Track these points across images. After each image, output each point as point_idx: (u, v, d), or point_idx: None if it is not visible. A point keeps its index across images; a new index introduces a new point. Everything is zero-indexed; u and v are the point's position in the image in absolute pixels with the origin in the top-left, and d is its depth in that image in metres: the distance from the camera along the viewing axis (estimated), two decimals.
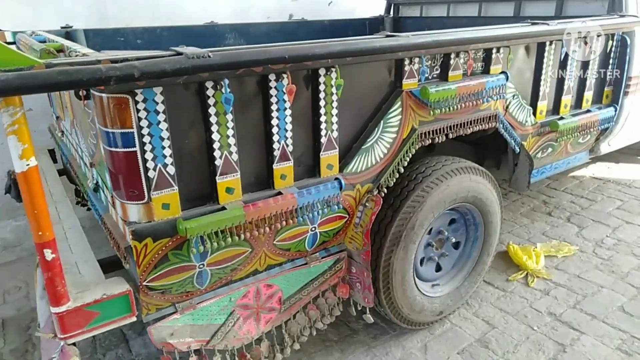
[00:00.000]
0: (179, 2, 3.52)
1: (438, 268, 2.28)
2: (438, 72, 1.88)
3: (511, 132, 2.18)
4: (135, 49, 2.88)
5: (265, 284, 1.69)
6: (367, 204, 1.77)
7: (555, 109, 2.42)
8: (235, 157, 1.44)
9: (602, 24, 2.24)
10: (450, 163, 2.07)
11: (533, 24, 2.02)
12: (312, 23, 3.56)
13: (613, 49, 2.53)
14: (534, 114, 2.30)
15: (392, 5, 3.92)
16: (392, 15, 3.92)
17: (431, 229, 2.15)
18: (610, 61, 2.56)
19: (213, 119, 1.37)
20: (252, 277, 1.66)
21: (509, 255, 2.76)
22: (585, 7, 2.68)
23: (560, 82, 2.37)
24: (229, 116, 1.39)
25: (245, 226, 1.47)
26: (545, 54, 2.20)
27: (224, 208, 1.44)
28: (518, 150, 2.25)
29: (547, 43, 2.18)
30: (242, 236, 1.47)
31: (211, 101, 1.35)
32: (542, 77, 2.25)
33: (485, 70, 2.02)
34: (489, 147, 2.62)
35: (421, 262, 2.19)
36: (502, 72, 2.00)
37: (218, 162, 1.42)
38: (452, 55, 1.85)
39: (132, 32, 2.87)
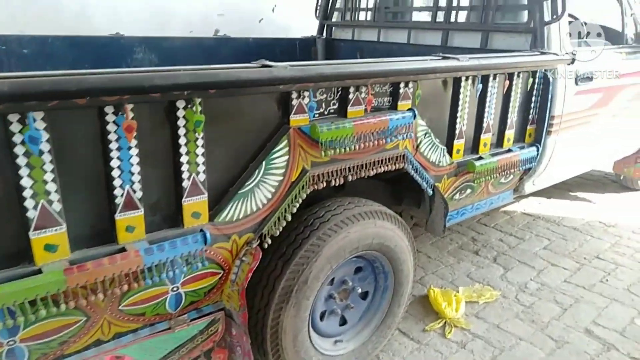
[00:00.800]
0: (88, 9, 3.20)
1: (343, 321, 2.05)
2: (336, 106, 1.67)
3: (423, 173, 2.00)
4: (21, 60, 2.54)
5: (112, 356, 1.39)
6: (244, 258, 1.51)
7: (475, 147, 2.27)
8: (57, 206, 1.15)
9: (519, 61, 2.11)
10: (353, 207, 1.85)
11: (444, 57, 1.85)
12: (234, 40, 3.32)
13: (535, 86, 2.42)
14: (450, 153, 2.13)
15: (325, 26, 3.75)
16: (324, 37, 3.74)
17: (333, 279, 1.92)
18: (533, 99, 2.44)
19: (21, 161, 1.08)
20: (93, 349, 1.36)
21: (429, 300, 2.57)
22: (509, 41, 2.57)
23: (479, 120, 2.22)
24: (47, 157, 1.11)
25: (70, 293, 1.17)
26: (462, 90, 2.05)
27: (40, 271, 1.15)
28: (431, 192, 2.06)
29: (463, 79, 2.02)
30: (65, 306, 1.17)
31: (17, 139, 1.07)
32: (459, 115, 2.09)
33: (393, 106, 1.83)
34: (407, 185, 2.43)
35: (322, 317, 1.95)
36: (410, 109, 1.81)
37: (32, 213, 1.12)
38: (351, 90, 1.64)
39: (17, 40, 2.52)
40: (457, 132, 2.12)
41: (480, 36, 2.68)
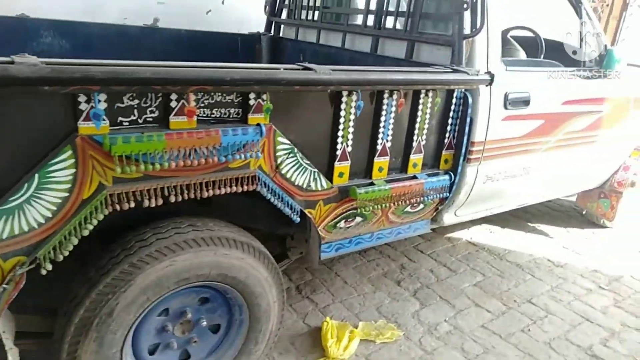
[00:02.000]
0: None
1: (188, 355, 1.81)
2: (156, 115, 1.43)
3: (285, 198, 1.74)
4: None
5: None
6: (6, 285, 1.29)
7: (368, 172, 2.00)
8: None
9: (407, 78, 1.83)
10: (189, 230, 1.61)
11: (304, 68, 1.59)
12: (163, 31, 3.10)
13: (453, 107, 2.13)
14: (330, 176, 1.87)
15: (273, 23, 3.49)
16: (271, 35, 3.49)
17: (168, 310, 1.69)
18: (450, 121, 2.16)
19: None
20: None
21: (321, 333, 2.31)
22: (435, 54, 2.28)
23: (372, 141, 1.95)
24: None
25: None
26: (343, 107, 1.78)
27: None
28: (297, 220, 1.81)
29: (345, 94, 1.76)
30: None
31: None
32: (340, 134, 1.83)
33: (243, 119, 1.58)
34: None
35: (154, 350, 1.72)
36: (257, 125, 1.56)
37: None
38: (173, 97, 1.40)
39: None
40: (338, 153, 1.86)
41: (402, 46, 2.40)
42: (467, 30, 2.07)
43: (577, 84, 2.61)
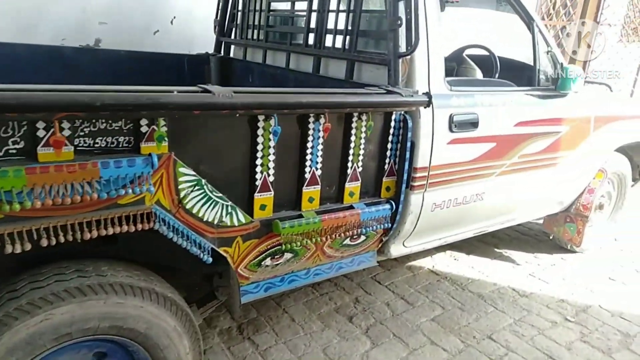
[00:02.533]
0: None
1: None
2: (20, 146, 1.23)
3: (191, 236, 1.54)
4: None
5: None
6: None
7: (297, 203, 1.81)
8: None
9: (326, 101, 1.66)
10: (73, 277, 1.40)
11: (204, 91, 1.41)
12: (101, 52, 2.93)
13: (392, 131, 1.97)
14: (251, 210, 1.68)
15: (223, 43, 3.34)
16: (221, 55, 3.33)
17: None
18: (389, 146, 1.99)
19: None
20: None
21: None
22: (374, 74, 2.13)
23: (300, 169, 1.77)
24: None
25: None
26: (261, 132, 1.60)
27: None
28: (209, 260, 1.61)
29: (261, 119, 1.58)
30: None
31: None
32: (259, 163, 1.64)
33: (135, 149, 1.39)
34: None
35: None
36: (148, 155, 1.37)
37: None
38: (40, 125, 1.21)
39: None
40: (258, 184, 1.67)
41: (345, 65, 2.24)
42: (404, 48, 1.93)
43: (531, 104, 2.48)
